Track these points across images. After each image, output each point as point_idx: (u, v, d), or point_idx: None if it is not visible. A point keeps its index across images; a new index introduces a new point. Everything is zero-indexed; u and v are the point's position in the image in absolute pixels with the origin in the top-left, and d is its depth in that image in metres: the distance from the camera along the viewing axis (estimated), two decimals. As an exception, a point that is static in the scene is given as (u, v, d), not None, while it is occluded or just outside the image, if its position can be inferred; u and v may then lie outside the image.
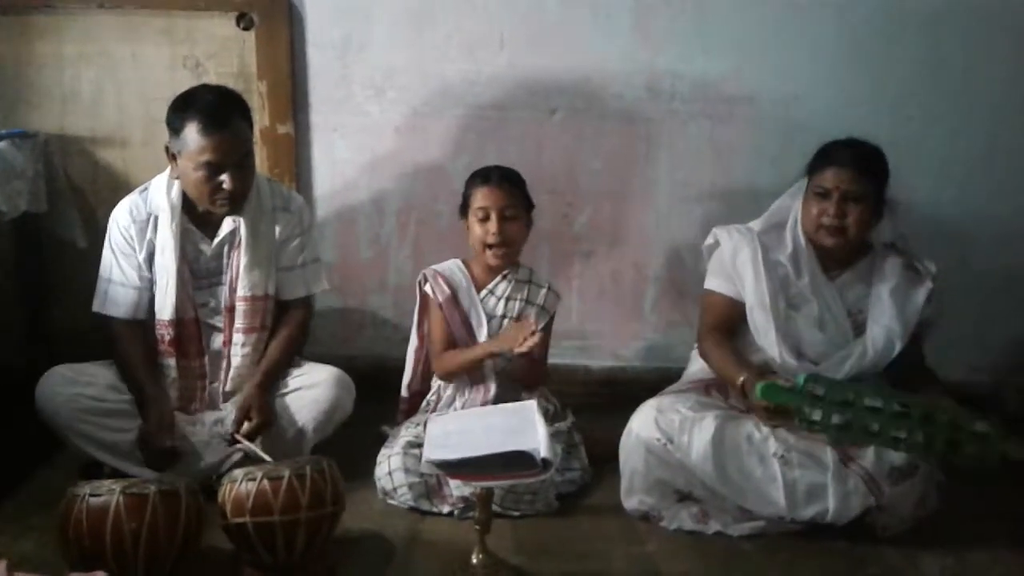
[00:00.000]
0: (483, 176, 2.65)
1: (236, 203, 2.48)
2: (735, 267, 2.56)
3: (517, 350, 2.45)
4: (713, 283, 2.62)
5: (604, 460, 2.58)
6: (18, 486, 2.50)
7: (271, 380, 2.57)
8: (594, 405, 2.90)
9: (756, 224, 2.63)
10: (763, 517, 2.35)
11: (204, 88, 2.49)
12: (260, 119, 3.01)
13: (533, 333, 2.43)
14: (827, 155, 2.50)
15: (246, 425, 2.46)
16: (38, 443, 2.53)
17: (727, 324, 2.58)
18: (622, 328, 3.25)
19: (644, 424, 2.38)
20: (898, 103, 3.04)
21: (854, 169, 2.44)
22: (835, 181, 2.45)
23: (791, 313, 2.51)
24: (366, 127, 3.08)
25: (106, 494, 1.94)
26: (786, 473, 2.32)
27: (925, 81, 3.02)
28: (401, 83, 3.05)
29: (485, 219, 2.61)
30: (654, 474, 2.38)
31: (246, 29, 3.00)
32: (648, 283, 3.21)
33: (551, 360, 2.82)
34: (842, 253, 2.52)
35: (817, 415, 2.26)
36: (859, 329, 2.50)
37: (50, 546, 2.08)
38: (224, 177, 2.41)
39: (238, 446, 2.46)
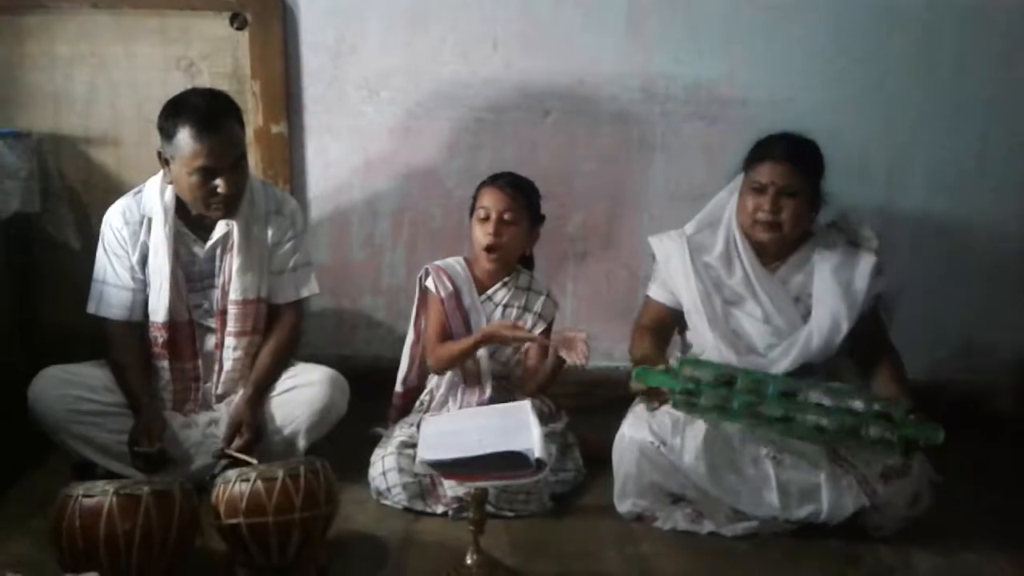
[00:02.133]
0: (492, 177, 2.67)
1: (231, 207, 2.47)
2: (668, 273, 2.61)
3: (513, 336, 2.49)
4: (652, 290, 2.68)
5: (598, 461, 2.59)
6: (10, 487, 2.50)
7: (261, 394, 2.55)
8: (588, 406, 2.90)
9: (690, 225, 2.65)
10: (757, 517, 2.36)
11: (195, 92, 2.48)
12: (253, 119, 3.01)
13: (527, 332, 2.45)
14: (762, 150, 2.51)
15: (236, 441, 2.45)
16: (31, 444, 2.53)
17: (657, 327, 2.62)
18: (616, 329, 3.23)
19: (636, 427, 2.38)
20: (890, 105, 3.05)
21: (789, 164, 2.45)
22: (770, 176, 2.46)
23: (731, 311, 2.53)
24: (360, 128, 3.08)
25: (99, 495, 1.94)
26: (779, 474, 2.33)
27: (917, 83, 3.03)
28: (395, 84, 3.05)
29: (485, 219, 2.61)
30: (647, 478, 2.38)
31: (240, 29, 3.00)
32: (642, 284, 3.19)
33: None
34: (781, 244, 2.53)
35: (694, 397, 2.29)
36: (808, 315, 2.50)
37: (43, 547, 2.06)
38: (218, 181, 2.40)
39: (228, 460, 2.45)
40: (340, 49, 3.03)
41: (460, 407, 2.62)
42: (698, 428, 2.34)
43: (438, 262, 2.71)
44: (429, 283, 2.68)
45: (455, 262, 2.71)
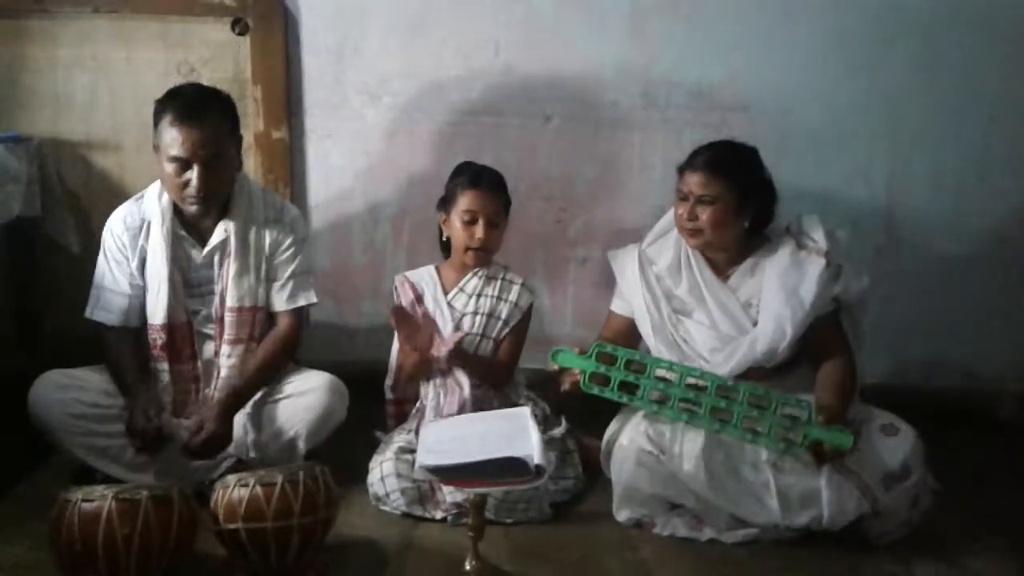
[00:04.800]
0: (473, 179, 2.64)
1: (205, 204, 2.45)
2: (624, 286, 2.66)
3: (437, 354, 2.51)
4: (614, 304, 2.73)
5: (598, 467, 2.58)
6: (10, 491, 2.49)
7: (237, 395, 2.49)
8: (588, 411, 2.90)
9: (648, 237, 2.70)
10: (757, 524, 2.35)
11: (190, 84, 2.50)
12: (254, 124, 3.02)
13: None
14: (688, 159, 2.56)
15: (194, 438, 2.40)
16: (30, 448, 2.53)
17: (615, 337, 2.63)
18: (616, 335, 3.24)
19: (634, 435, 2.38)
20: (892, 111, 3.05)
21: (704, 173, 2.48)
22: (689, 185, 2.50)
23: (681, 319, 2.56)
24: (361, 132, 3.09)
25: (98, 499, 1.93)
26: (779, 479, 2.32)
27: (919, 88, 3.03)
28: (396, 89, 3.05)
29: (471, 223, 2.61)
30: (646, 488, 2.37)
31: (241, 34, 3.00)
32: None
33: (546, 366, 2.81)
34: (723, 252, 2.56)
35: (605, 380, 2.38)
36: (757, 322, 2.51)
37: (42, 551, 2.07)
38: (191, 174, 2.40)
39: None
40: (341, 54, 3.03)
41: (443, 408, 2.61)
42: (697, 435, 2.34)
43: (407, 272, 2.74)
44: (394, 295, 2.70)
45: (425, 271, 2.73)
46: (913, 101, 3.04)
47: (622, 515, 2.43)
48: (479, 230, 2.60)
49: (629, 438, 2.38)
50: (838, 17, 2.99)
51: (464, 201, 2.62)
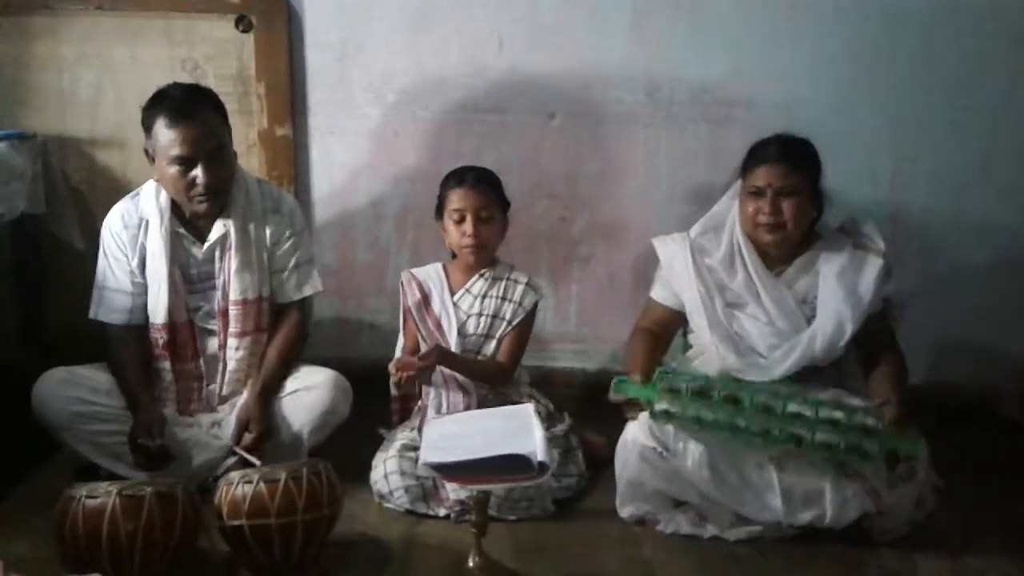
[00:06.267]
0: (458, 178, 2.64)
1: (214, 199, 2.46)
2: (672, 275, 2.61)
3: (392, 376, 2.48)
4: (655, 292, 2.68)
5: (601, 464, 2.58)
6: (14, 487, 2.50)
7: (269, 390, 2.55)
8: (592, 408, 2.90)
9: (695, 228, 2.66)
10: (760, 522, 2.35)
11: (173, 85, 2.48)
12: (258, 121, 3.02)
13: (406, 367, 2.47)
14: (757, 154, 2.52)
15: (246, 437, 2.46)
16: (34, 445, 2.54)
17: (657, 328, 2.62)
18: (620, 331, 3.23)
19: (639, 432, 2.37)
20: (896, 107, 3.04)
21: (784, 164, 2.46)
22: (767, 178, 2.46)
23: (734, 313, 2.54)
24: (365, 130, 3.09)
25: (102, 496, 1.94)
26: (783, 478, 2.32)
27: (922, 85, 3.02)
28: (400, 86, 3.05)
29: (461, 221, 2.60)
30: (650, 483, 2.37)
31: (245, 31, 3.00)
32: (646, 287, 3.19)
33: (549, 364, 2.82)
34: (785, 248, 2.53)
35: (672, 408, 2.29)
36: (814, 318, 2.50)
37: (46, 548, 2.07)
38: (197, 171, 2.40)
39: (236, 458, 2.46)
40: (345, 51, 3.03)
41: (448, 407, 2.60)
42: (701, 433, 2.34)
43: (414, 269, 2.73)
44: (401, 292, 2.69)
45: (432, 268, 2.72)
46: (917, 97, 3.03)
47: (625, 511, 2.43)
48: (468, 226, 2.59)
49: (633, 435, 2.38)
50: (841, 13, 2.98)
51: (451, 201, 2.62)
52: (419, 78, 3.05)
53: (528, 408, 2.29)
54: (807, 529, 2.34)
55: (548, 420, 2.63)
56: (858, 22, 2.99)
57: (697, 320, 2.55)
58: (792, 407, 2.27)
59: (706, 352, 2.52)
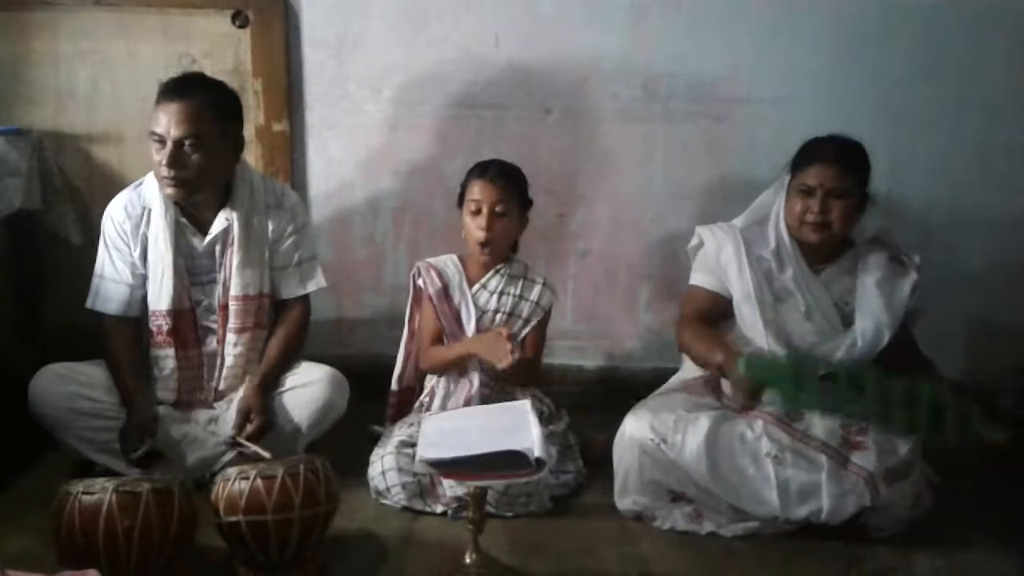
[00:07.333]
0: (480, 169, 2.63)
1: (181, 189, 2.42)
2: (719, 263, 2.60)
3: (500, 366, 2.46)
4: (697, 278, 2.66)
5: (598, 461, 2.58)
6: (10, 484, 2.50)
7: (269, 382, 2.55)
8: (589, 405, 2.90)
9: (739, 220, 2.66)
10: (757, 517, 2.35)
11: (194, 72, 2.50)
12: (255, 117, 3.02)
13: (512, 350, 2.43)
14: (810, 152, 2.52)
15: (247, 428, 2.46)
16: (31, 441, 2.53)
17: (706, 316, 2.61)
18: (617, 327, 3.25)
19: (638, 424, 2.38)
20: (893, 103, 3.04)
21: (838, 166, 2.47)
22: (819, 178, 2.47)
23: (778, 305, 2.54)
24: (361, 125, 3.08)
25: (99, 492, 1.94)
26: (779, 473, 2.32)
27: (920, 82, 3.03)
28: (397, 82, 3.05)
29: (476, 212, 2.60)
30: (648, 475, 2.38)
31: (242, 27, 3.00)
32: (643, 282, 3.21)
33: (546, 360, 2.82)
34: (826, 248, 2.54)
35: (802, 389, 2.28)
36: (847, 321, 2.52)
37: (43, 544, 2.07)
38: (161, 155, 2.39)
39: (239, 449, 2.46)
40: (342, 47, 3.03)
41: (451, 400, 2.61)
42: (699, 426, 2.34)
43: (430, 259, 2.71)
44: (420, 281, 2.67)
45: (448, 259, 2.70)
46: (914, 92, 3.03)
47: (623, 504, 2.43)
48: (482, 219, 2.58)
49: (632, 426, 2.39)
50: (839, 8, 2.99)
51: (471, 191, 2.62)
52: (416, 74, 3.04)
53: (526, 404, 2.28)
54: (803, 524, 2.34)
55: (547, 417, 2.63)
56: (857, 17, 2.99)
57: (747, 311, 2.54)
58: (900, 389, 2.27)
59: (752, 344, 2.50)
